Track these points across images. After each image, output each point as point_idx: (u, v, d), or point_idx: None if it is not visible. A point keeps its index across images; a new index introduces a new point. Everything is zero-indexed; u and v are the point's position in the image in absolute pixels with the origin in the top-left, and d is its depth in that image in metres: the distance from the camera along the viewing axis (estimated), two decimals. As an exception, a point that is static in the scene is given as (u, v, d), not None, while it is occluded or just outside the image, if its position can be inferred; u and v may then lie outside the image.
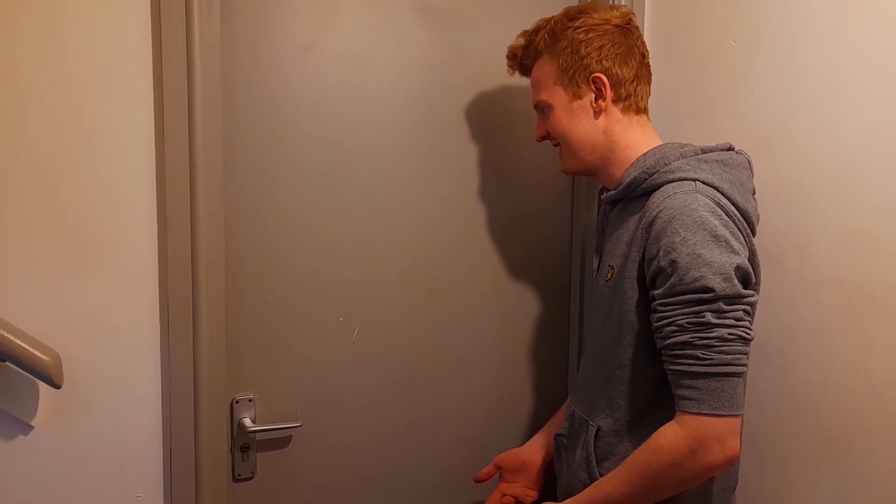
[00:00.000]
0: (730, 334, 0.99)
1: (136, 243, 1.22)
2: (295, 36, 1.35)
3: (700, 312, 0.99)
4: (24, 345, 1.10)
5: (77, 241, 1.18)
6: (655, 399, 1.11)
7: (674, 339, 1.01)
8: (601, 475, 1.13)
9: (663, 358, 1.04)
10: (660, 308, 1.03)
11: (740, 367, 1.00)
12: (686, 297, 1.00)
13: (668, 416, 1.03)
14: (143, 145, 1.21)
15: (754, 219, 1.11)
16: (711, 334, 0.99)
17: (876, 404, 1.12)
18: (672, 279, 1.01)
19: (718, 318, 0.99)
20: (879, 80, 1.10)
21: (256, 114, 1.33)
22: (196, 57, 1.22)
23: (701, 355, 0.99)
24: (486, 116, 1.52)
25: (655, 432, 1.03)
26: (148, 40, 1.20)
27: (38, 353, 1.10)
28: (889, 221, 1.09)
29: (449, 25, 1.47)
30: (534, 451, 1.35)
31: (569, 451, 1.23)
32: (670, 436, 1.01)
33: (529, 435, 1.57)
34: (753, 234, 1.11)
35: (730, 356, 0.99)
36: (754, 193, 1.15)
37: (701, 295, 0.99)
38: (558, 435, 1.27)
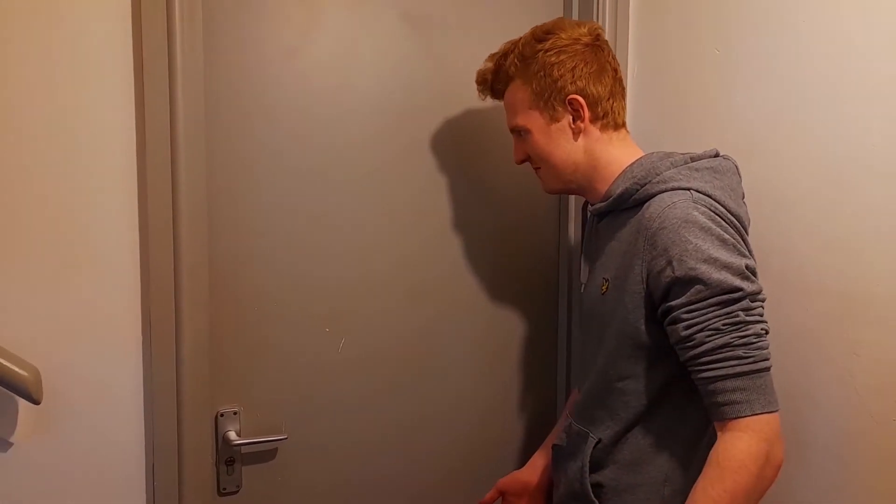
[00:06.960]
0: (762, 329, 1.01)
1: (118, 252, 1.20)
2: (278, 40, 1.34)
3: (732, 312, 0.99)
4: (1, 360, 1.06)
5: (56, 249, 1.15)
6: (654, 408, 1.11)
7: (711, 343, 1.00)
8: (600, 483, 1.13)
9: (696, 367, 1.02)
10: (685, 317, 1.02)
11: (770, 362, 1.01)
12: (715, 299, 1.00)
13: (665, 422, 1.03)
14: (124, 151, 1.19)
15: (746, 223, 1.12)
16: (748, 332, 0.99)
17: (861, 410, 1.14)
18: (696, 286, 1.00)
19: (749, 315, 1.00)
20: (863, 87, 1.12)
21: (239, 118, 1.32)
22: (178, 60, 1.20)
23: (743, 354, 0.99)
24: (470, 121, 1.51)
25: (720, 451, 0.99)
26: (129, 43, 1.18)
27: (15, 369, 1.08)
28: (873, 228, 1.11)
29: (432, 32, 1.47)
30: (535, 472, 1.34)
31: (566, 461, 1.22)
32: (744, 447, 0.97)
33: (518, 442, 1.58)
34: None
35: (765, 351, 1.00)
36: (744, 198, 1.16)
37: (730, 295, 0.99)
38: (555, 445, 1.26)
